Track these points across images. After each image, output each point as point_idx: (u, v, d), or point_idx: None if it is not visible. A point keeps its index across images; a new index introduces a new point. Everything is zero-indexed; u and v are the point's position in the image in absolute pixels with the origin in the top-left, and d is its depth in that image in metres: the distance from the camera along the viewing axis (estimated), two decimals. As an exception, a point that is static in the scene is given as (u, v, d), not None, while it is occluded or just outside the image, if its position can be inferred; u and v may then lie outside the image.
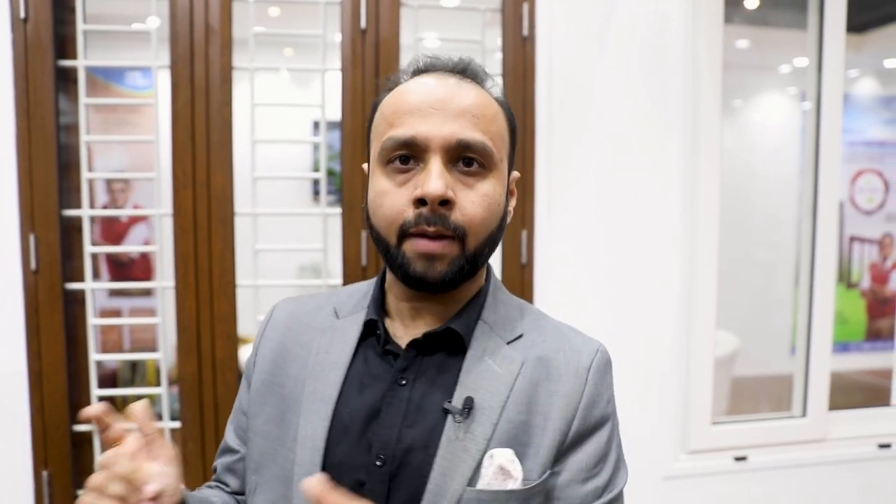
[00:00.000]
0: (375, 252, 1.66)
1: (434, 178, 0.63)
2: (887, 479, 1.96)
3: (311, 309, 0.79)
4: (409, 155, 0.65)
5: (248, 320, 1.71)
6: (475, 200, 0.65)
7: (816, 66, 1.91)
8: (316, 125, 3.44)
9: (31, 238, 1.53)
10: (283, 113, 4.13)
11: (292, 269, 3.94)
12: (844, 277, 4.83)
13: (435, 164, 0.64)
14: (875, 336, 4.89)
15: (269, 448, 0.72)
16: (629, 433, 1.76)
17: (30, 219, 1.53)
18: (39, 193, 1.53)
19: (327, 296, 0.82)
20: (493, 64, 1.75)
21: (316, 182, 3.41)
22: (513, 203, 0.75)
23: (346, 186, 1.66)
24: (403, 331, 0.72)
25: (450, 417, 0.65)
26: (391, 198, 0.66)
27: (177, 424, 1.62)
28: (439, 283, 0.66)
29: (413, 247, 0.65)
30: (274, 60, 4.41)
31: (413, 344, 0.70)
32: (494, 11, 1.72)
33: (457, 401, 0.66)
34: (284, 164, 3.93)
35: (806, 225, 1.96)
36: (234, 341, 1.63)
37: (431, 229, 0.64)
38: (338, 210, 1.67)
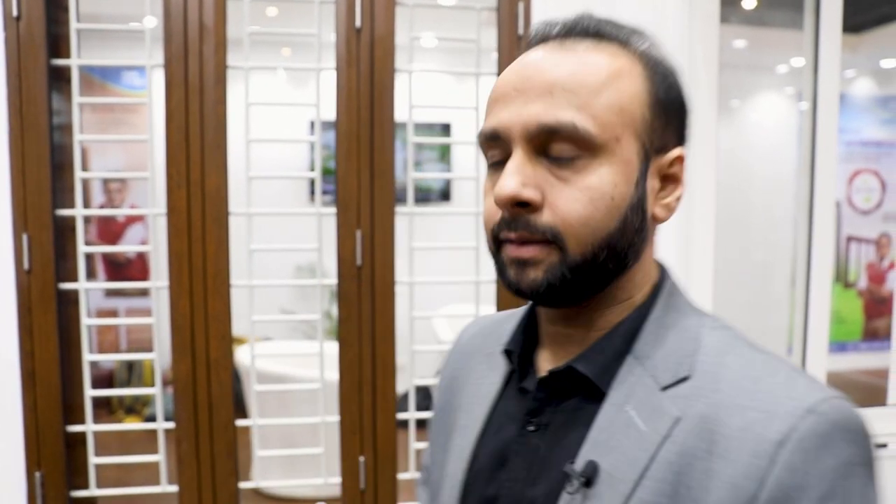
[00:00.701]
0: (371, 252, 1.66)
1: (505, 177, 0.52)
2: (885, 478, 1.95)
3: (489, 331, 0.69)
4: (499, 149, 0.55)
5: (243, 320, 1.71)
6: (574, 196, 0.51)
7: (812, 66, 1.90)
8: (313, 125, 3.44)
9: (25, 238, 1.52)
10: (280, 112, 4.14)
11: (290, 269, 3.94)
12: (841, 277, 4.84)
13: (513, 159, 0.52)
14: (872, 336, 4.90)
15: (437, 477, 0.66)
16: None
17: (23, 218, 1.52)
18: (32, 193, 1.53)
19: (508, 315, 0.69)
20: (489, 64, 1.75)
21: (314, 182, 3.41)
22: (672, 193, 0.57)
23: (341, 186, 1.65)
24: (546, 363, 0.60)
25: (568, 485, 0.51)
26: (486, 201, 0.56)
27: (171, 425, 1.62)
28: (537, 293, 0.53)
29: (505, 252, 0.54)
30: (271, 60, 4.42)
31: (543, 382, 0.57)
32: (490, 10, 1.72)
33: (579, 463, 0.51)
34: (282, 164, 3.93)
35: (802, 224, 1.96)
36: (228, 341, 1.62)
37: (513, 235, 0.53)
38: (333, 210, 1.66)
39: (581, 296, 0.55)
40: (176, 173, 1.60)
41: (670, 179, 0.56)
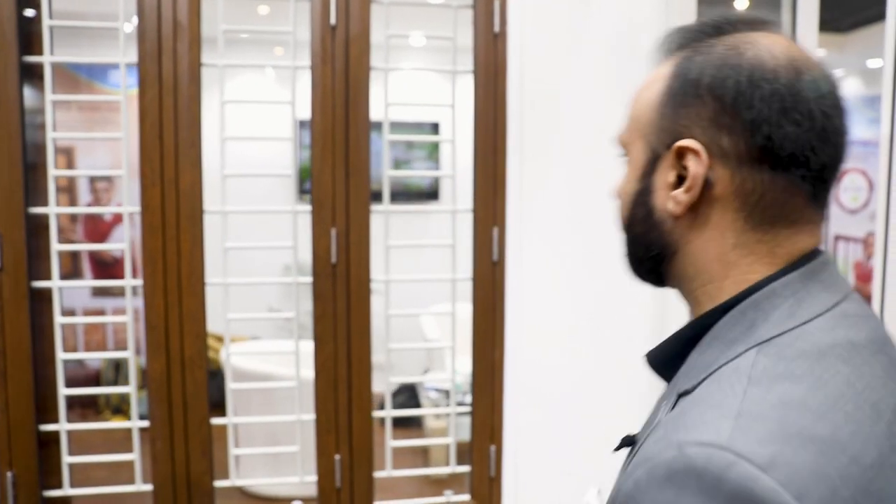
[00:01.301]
0: (346, 249, 1.65)
1: None
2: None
3: None
4: None
5: (219, 318, 1.70)
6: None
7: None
8: (302, 123, 3.44)
9: (-4, 236, 1.52)
10: (269, 111, 4.10)
11: (279, 268, 3.93)
12: (830, 276, 4.85)
13: None
14: (860, 334, 4.90)
15: None
16: (604, 430, 1.75)
17: (-6, 216, 1.51)
18: (5, 191, 1.52)
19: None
20: (465, 61, 1.74)
21: (303, 180, 3.39)
22: (682, 186, 0.53)
23: (316, 184, 1.65)
24: None
25: None
26: None
27: (145, 424, 1.61)
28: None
29: None
30: (263, 58, 4.40)
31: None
32: (466, 8, 1.72)
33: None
34: (272, 162, 3.91)
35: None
36: (203, 339, 1.62)
37: None
38: (308, 207, 1.66)
39: (650, 275, 0.62)
40: (150, 171, 1.60)
41: (677, 169, 0.53)
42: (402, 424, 3.66)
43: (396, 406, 3.62)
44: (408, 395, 3.78)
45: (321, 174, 1.65)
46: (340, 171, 1.65)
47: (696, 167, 0.51)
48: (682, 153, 0.52)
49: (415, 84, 4.37)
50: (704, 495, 0.39)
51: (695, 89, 0.52)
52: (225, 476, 1.67)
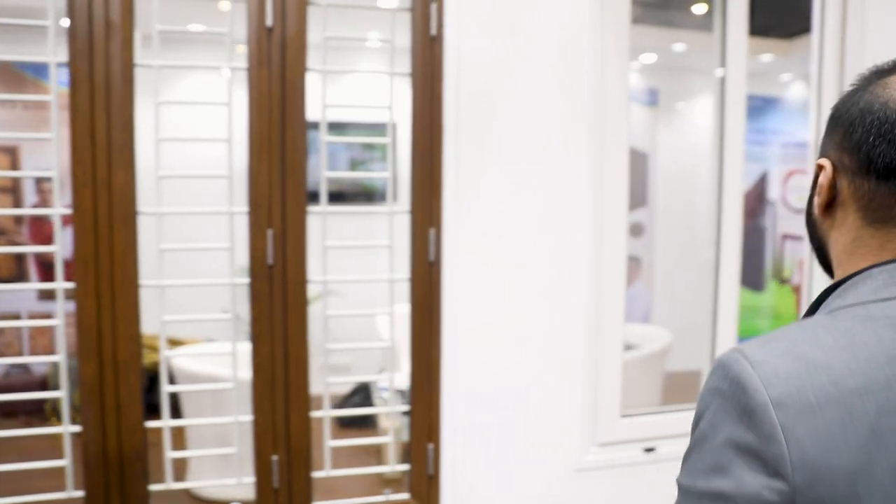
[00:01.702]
0: (283, 251, 1.66)
1: None
2: (652, 482, 2.04)
3: None
4: None
5: (154, 321, 1.69)
6: None
7: (720, 66, 1.98)
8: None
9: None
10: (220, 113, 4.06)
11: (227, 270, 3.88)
12: (777, 274, 5.00)
13: None
14: (805, 330, 5.06)
15: None
16: (541, 427, 1.79)
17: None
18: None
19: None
20: (402, 63, 1.76)
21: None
22: (820, 196, 0.67)
23: (253, 185, 1.65)
24: None
25: None
26: None
27: (78, 428, 1.59)
28: None
29: None
30: (226, 58, 4.33)
31: None
32: (403, 11, 1.73)
33: None
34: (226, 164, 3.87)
35: (711, 220, 2.03)
36: (136, 342, 1.60)
37: None
38: (244, 209, 1.65)
39: (823, 266, 0.72)
40: (81, 172, 1.58)
41: (820, 187, 0.67)
42: (357, 425, 3.67)
43: (352, 406, 3.62)
44: (363, 395, 3.78)
45: (257, 176, 1.65)
46: (277, 173, 1.65)
47: (822, 178, 0.67)
48: (819, 169, 0.67)
49: (371, 85, 4.37)
50: (717, 376, 0.58)
51: (834, 121, 0.68)
52: (166, 479, 1.65)
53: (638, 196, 5.56)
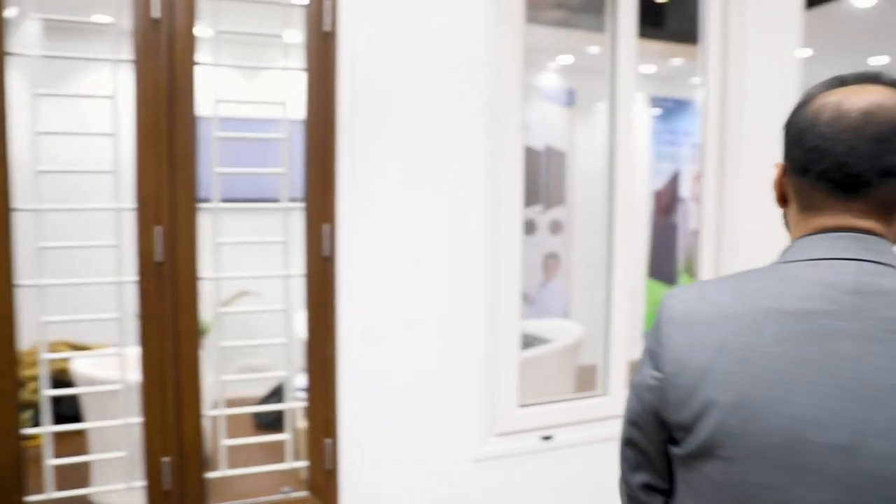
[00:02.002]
0: (172, 248, 1.62)
1: None
2: (551, 469, 2.14)
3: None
4: None
5: (32, 324, 1.62)
6: None
7: (611, 68, 2.06)
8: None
9: None
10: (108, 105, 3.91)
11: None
12: (689, 267, 5.23)
13: None
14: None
15: None
16: (440, 420, 1.82)
17: None
18: None
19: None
20: (296, 59, 1.75)
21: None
22: (775, 192, 0.86)
23: (141, 180, 1.60)
24: None
25: None
26: None
27: (-52, 436, 1.51)
28: None
29: None
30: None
31: None
32: (297, 6, 1.72)
33: None
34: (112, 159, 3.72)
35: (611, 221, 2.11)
36: (9, 346, 1.53)
37: None
38: (132, 205, 1.61)
39: None
40: (-51, 167, 1.50)
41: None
42: (274, 426, 3.61)
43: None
44: (280, 395, 3.73)
45: (145, 171, 1.60)
46: (165, 168, 1.61)
47: (775, 175, 0.84)
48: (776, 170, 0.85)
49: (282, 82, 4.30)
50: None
51: (783, 131, 0.83)
52: (60, 488, 1.59)
53: (557, 194, 5.71)
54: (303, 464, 1.77)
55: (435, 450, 1.83)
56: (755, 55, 2.18)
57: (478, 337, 1.84)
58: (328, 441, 1.74)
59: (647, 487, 0.88)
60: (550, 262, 5.81)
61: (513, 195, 1.88)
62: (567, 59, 5.48)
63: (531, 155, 5.25)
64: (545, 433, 1.96)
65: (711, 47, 2.19)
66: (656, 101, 5.07)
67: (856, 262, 0.73)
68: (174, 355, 1.63)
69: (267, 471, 1.80)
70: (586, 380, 3.92)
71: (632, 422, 0.85)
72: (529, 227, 5.26)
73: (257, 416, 3.67)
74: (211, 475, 1.68)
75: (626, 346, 2.10)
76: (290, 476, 2.61)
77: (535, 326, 4.56)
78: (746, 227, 2.22)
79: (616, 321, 2.08)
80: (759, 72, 2.20)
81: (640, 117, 5.45)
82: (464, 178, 1.80)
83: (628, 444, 0.88)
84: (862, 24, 4.61)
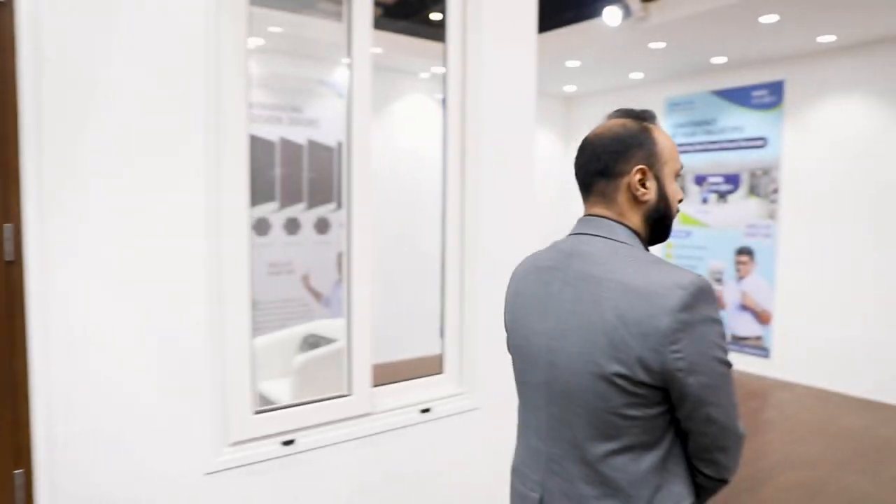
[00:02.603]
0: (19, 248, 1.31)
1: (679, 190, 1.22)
2: (428, 438, 2.22)
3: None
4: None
5: None
6: None
7: (350, 57, 2.05)
8: None
9: None
10: None
11: None
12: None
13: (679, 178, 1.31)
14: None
15: None
16: (165, 434, 1.69)
17: None
18: None
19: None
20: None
21: None
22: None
23: None
24: None
25: None
26: (677, 191, 1.18)
27: None
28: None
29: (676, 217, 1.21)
30: None
31: None
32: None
33: None
34: None
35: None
36: None
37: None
38: None
39: None
40: None
41: None
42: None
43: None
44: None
45: None
46: None
47: None
48: None
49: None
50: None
51: None
52: None
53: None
54: (-12, 499, 1.53)
55: (161, 467, 1.69)
56: (491, 73, 2.30)
57: (200, 344, 1.73)
58: (18, 472, 1.53)
59: None
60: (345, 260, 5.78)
61: (237, 189, 1.78)
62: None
63: (297, 149, 5.14)
64: (285, 438, 1.90)
65: (451, 52, 2.27)
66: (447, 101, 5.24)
67: (577, 235, 1.14)
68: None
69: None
70: (380, 378, 3.93)
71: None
72: (293, 226, 5.14)
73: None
74: None
75: (371, 346, 2.11)
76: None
77: (326, 327, 4.51)
78: (489, 220, 2.34)
79: (357, 321, 2.09)
80: (496, 75, 2.33)
81: (434, 115, 5.59)
82: (179, 173, 1.68)
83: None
84: (619, 41, 5.14)
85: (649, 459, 1.03)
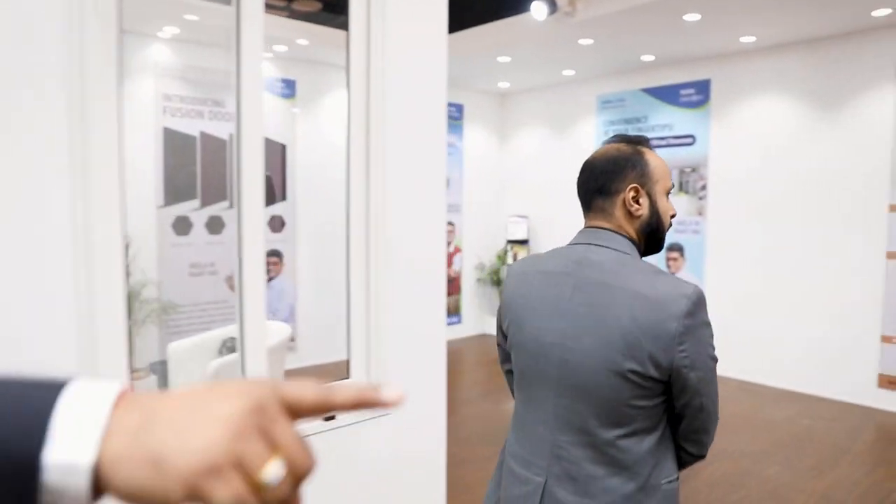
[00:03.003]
0: None
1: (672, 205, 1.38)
2: (332, 450, 2.11)
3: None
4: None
5: None
6: None
7: (237, 44, 1.92)
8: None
9: None
10: None
11: None
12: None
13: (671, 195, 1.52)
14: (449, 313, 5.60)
15: None
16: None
17: None
18: None
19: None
20: None
21: None
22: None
23: None
24: None
25: None
26: (670, 206, 1.34)
27: None
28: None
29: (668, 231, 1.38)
30: None
31: None
32: None
33: None
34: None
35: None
36: None
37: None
38: None
39: None
40: None
41: None
42: None
43: None
44: None
45: None
46: None
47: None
48: None
49: None
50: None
51: None
52: None
53: (277, 189, 5.51)
54: None
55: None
56: (395, 76, 2.21)
57: (73, 352, 1.58)
58: None
59: (509, 372, 1.48)
60: (274, 260, 5.58)
61: (110, 198, 1.63)
62: (281, 48, 5.29)
63: (220, 145, 4.95)
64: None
65: (354, 36, 2.16)
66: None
67: (584, 245, 1.28)
68: None
69: None
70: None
71: (498, 330, 1.46)
72: (216, 225, 4.95)
73: None
74: None
75: (264, 353, 1.99)
76: None
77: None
78: (397, 215, 2.25)
79: (251, 333, 1.96)
80: (404, 67, 2.23)
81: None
82: (38, 180, 1.52)
83: (499, 346, 1.50)
84: (549, 36, 5.13)
85: (649, 441, 1.22)
